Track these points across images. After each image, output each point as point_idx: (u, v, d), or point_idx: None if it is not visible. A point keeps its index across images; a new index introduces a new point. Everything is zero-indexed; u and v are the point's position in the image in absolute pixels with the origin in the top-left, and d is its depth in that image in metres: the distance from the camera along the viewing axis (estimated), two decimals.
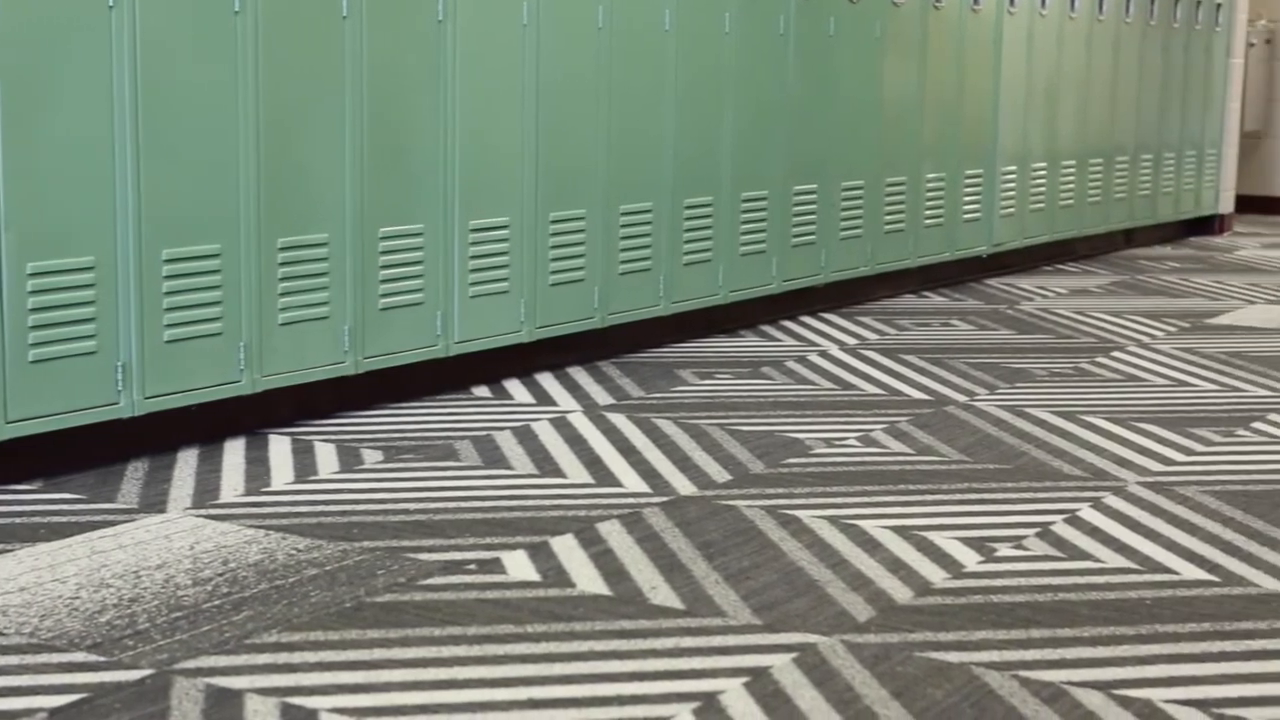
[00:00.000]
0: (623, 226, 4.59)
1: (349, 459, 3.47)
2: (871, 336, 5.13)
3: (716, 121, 4.90)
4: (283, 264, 3.63)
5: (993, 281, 6.47)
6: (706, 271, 4.93)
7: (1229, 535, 3.04)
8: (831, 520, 3.10)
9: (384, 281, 3.87)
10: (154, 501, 3.12)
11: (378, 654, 2.35)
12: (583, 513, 3.11)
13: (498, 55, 4.11)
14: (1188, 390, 4.39)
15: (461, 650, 2.37)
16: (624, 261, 4.60)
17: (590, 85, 4.42)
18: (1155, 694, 2.26)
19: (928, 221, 6.02)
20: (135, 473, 3.32)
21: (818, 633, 2.49)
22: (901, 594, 2.68)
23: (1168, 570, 2.83)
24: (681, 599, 2.63)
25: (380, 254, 3.85)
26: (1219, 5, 8.18)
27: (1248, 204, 9.50)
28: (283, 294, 3.63)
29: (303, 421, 3.77)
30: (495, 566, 2.78)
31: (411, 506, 3.13)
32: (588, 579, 2.72)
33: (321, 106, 3.67)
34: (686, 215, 4.83)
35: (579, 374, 4.42)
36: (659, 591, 2.67)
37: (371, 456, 3.50)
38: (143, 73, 3.28)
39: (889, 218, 5.79)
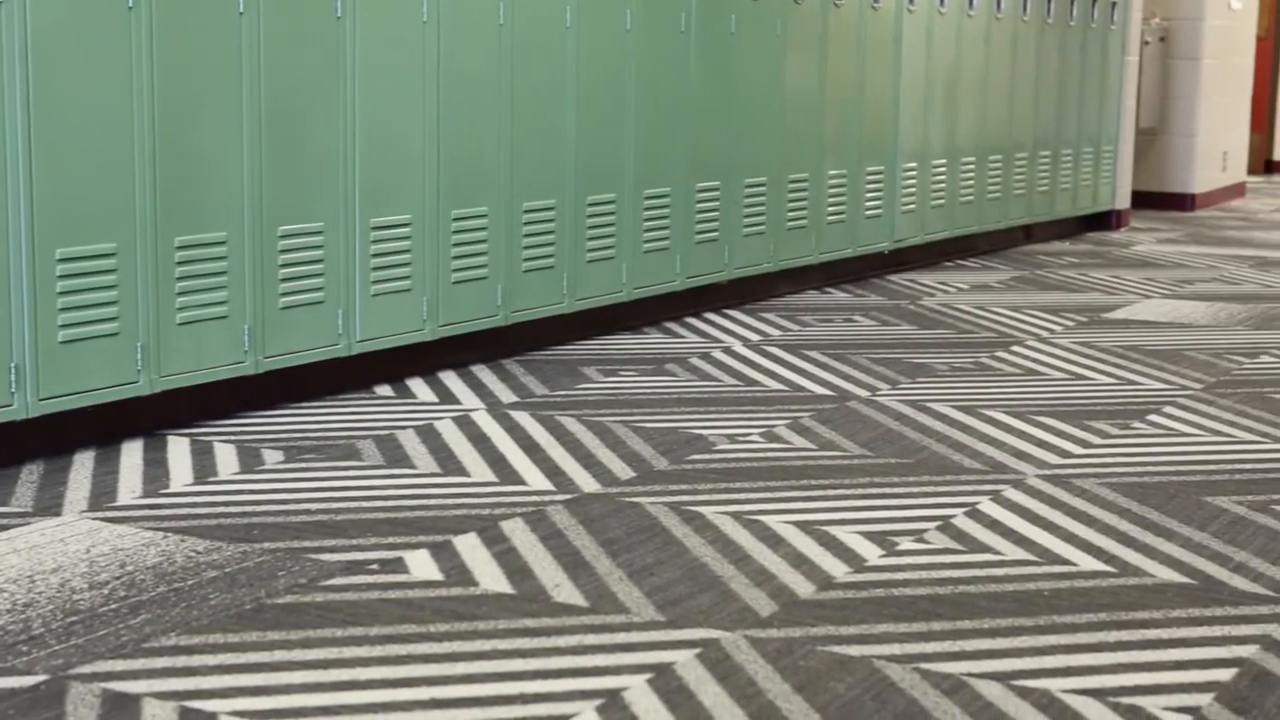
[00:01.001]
0: (525, 224, 4.58)
1: (249, 459, 3.44)
2: (775, 333, 5.15)
3: (619, 119, 4.90)
4: (180, 263, 3.58)
5: (895, 277, 6.52)
6: (610, 269, 4.93)
7: (1125, 527, 3.09)
8: (735, 516, 3.11)
9: (284, 280, 3.84)
10: (49, 504, 3.07)
11: (278, 656, 2.33)
12: (486, 511, 3.10)
13: (398, 52, 4.09)
14: (1085, 384, 4.45)
15: (363, 651, 2.36)
16: (527, 259, 4.59)
17: (492, 82, 4.40)
18: (1053, 684, 2.29)
19: (830, 218, 6.05)
20: (30, 475, 3.26)
21: (721, 628, 2.50)
22: (804, 588, 2.70)
23: (1066, 562, 2.86)
24: (585, 596, 2.63)
25: (280, 252, 3.82)
26: (1114, 4, 8.30)
27: (1143, 200, 9.65)
28: (180, 293, 3.59)
29: (202, 422, 3.73)
30: (398, 566, 2.76)
31: (313, 507, 3.10)
32: (491, 578, 2.71)
33: (218, 104, 3.63)
34: (590, 212, 4.83)
35: (483, 372, 4.41)
36: (562, 589, 2.66)
37: (272, 457, 3.46)
38: (34, 69, 3.23)
39: (791, 214, 5.82)
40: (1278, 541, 3.00)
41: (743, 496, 3.25)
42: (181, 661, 2.30)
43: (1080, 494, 3.31)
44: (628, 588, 2.68)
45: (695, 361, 4.64)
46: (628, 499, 3.21)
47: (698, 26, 5.20)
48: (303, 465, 3.40)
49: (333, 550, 2.83)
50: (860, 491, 3.31)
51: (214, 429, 3.68)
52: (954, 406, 4.12)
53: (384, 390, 4.14)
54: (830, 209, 6.05)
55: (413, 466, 3.42)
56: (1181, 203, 9.69)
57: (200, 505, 3.09)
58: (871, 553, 2.90)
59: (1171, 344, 5.10)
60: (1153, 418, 4.04)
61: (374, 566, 2.75)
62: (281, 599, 2.57)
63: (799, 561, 2.84)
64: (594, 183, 4.83)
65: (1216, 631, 2.51)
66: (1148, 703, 2.22)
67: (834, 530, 3.03)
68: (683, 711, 2.18)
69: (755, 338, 5.05)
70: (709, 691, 2.25)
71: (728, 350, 4.83)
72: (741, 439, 3.73)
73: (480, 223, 4.41)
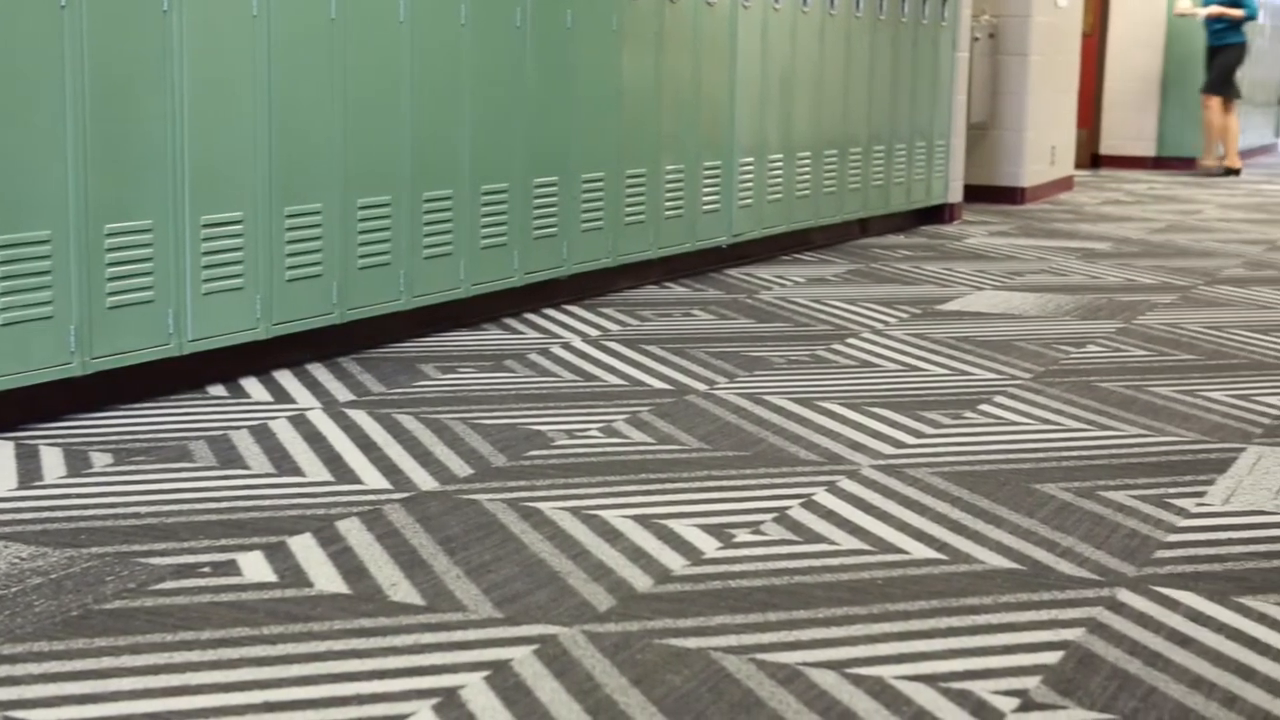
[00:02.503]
0: (361, 220, 4.53)
1: (77, 462, 3.36)
2: (614, 328, 5.16)
3: (455, 115, 4.88)
4: (2, 262, 3.49)
5: (733, 271, 6.57)
6: (448, 265, 4.90)
7: (956, 514, 3.14)
8: (573, 511, 3.11)
9: (111, 279, 3.76)
10: None
11: (106, 663, 2.28)
12: (321, 511, 3.07)
13: (227, 46, 4.02)
14: (919, 375, 4.52)
15: (195, 655, 2.32)
16: (363, 256, 4.55)
17: (325, 77, 4.35)
18: (886, 671, 2.32)
19: (668, 213, 6.08)
20: None
21: (559, 624, 2.50)
22: (642, 582, 2.70)
23: (899, 550, 2.91)
24: (422, 595, 2.61)
25: (107, 251, 3.74)
26: (944, 1, 8.44)
27: (975, 193, 9.82)
28: (3, 293, 3.50)
29: (28, 425, 3.64)
30: (230, 569, 2.72)
31: (143, 510, 3.04)
32: (326, 578, 2.68)
33: (41, 100, 3.54)
34: (426, 208, 4.79)
35: (319, 370, 4.35)
36: (399, 588, 2.64)
37: (101, 460, 3.39)
38: None
39: (630, 209, 5.83)
40: (1103, 526, 3.07)
41: (581, 492, 3.25)
42: (4, 671, 2.24)
43: (913, 483, 3.37)
44: (465, 585, 2.67)
45: (534, 357, 4.64)
46: (465, 496, 3.20)
47: (533, 22, 5.19)
48: (132, 468, 3.34)
49: (163, 554, 2.78)
50: (698, 485, 3.32)
51: (40, 432, 3.59)
52: (790, 399, 4.16)
53: (217, 390, 4.07)
54: (668, 204, 6.07)
55: (246, 467, 3.37)
56: (1012, 196, 9.88)
57: (25, 510, 3.02)
58: (709, 545, 2.91)
59: (1002, 335, 5.20)
60: (984, 407, 4.11)
61: (206, 569, 2.71)
62: (110, 604, 2.52)
63: (637, 556, 2.85)
64: (430, 179, 4.80)
65: (1044, 615, 2.57)
66: (977, 687, 2.27)
67: (672, 524, 3.04)
68: (520, 708, 2.17)
69: (594, 333, 5.06)
70: (546, 687, 2.24)
71: (567, 346, 4.83)
72: (580, 434, 3.73)
73: (314, 219, 4.36)
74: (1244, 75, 14.13)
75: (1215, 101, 12.63)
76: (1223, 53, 12.56)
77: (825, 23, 7.19)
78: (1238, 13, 12.51)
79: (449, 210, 4.89)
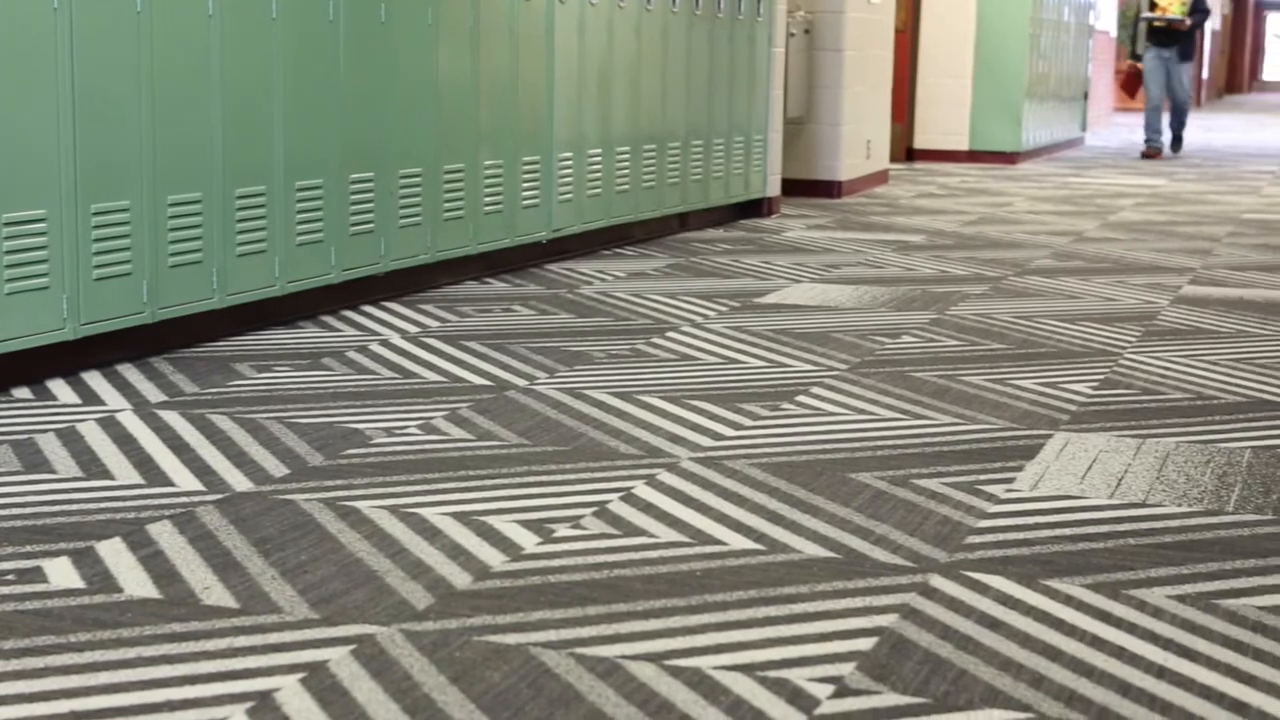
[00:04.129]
0: (171, 217, 4.44)
1: None
2: (433, 324, 5.13)
3: (267, 109, 4.80)
4: None
5: (553, 266, 6.56)
6: (262, 262, 4.83)
7: (774, 505, 3.17)
8: (391, 510, 3.08)
9: None
10: None
11: None
12: (132, 515, 3.00)
13: (26, 41, 3.91)
14: (738, 367, 4.56)
15: None
16: (174, 254, 4.46)
17: (130, 72, 4.25)
18: (704, 661, 2.34)
19: (487, 208, 6.05)
20: None
21: (376, 623, 2.47)
22: (461, 579, 2.69)
23: (717, 542, 2.93)
24: (236, 597, 2.57)
25: None
26: None
27: (793, 187, 9.94)
28: None
29: None
30: (36, 575, 2.64)
31: None
32: (136, 583, 2.62)
33: None
34: (239, 205, 4.71)
35: (129, 371, 4.26)
36: (212, 591, 2.60)
37: None
38: None
39: (448, 205, 5.79)
40: (916, 514, 3.13)
41: (400, 490, 3.22)
42: None
43: (732, 475, 3.39)
44: (281, 587, 2.63)
45: (352, 355, 4.59)
46: (281, 497, 3.15)
47: (347, 16, 5.13)
48: None
49: None
50: (518, 480, 3.32)
51: None
52: (611, 393, 4.17)
53: (22, 393, 3.96)
54: (487, 199, 6.05)
55: (53, 471, 3.28)
56: (829, 190, 10.02)
57: None
58: (529, 541, 2.91)
59: (819, 327, 5.27)
60: (801, 398, 4.16)
61: (10, 577, 2.63)
62: None
63: (456, 553, 2.83)
64: (243, 175, 4.72)
65: (859, 603, 2.60)
66: (794, 675, 2.29)
67: (491, 520, 3.03)
68: (336, 709, 2.14)
69: (413, 330, 5.02)
70: (363, 688, 2.22)
71: (385, 343, 4.79)
72: (399, 432, 3.70)
73: (123, 217, 4.26)
74: (1051, 71, 14.50)
75: None
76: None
77: (642, 18, 7.21)
78: None
79: (262, 207, 4.82)
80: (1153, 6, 14.24)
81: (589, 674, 2.28)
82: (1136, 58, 14.79)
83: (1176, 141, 15.29)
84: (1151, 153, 14.71)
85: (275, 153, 4.85)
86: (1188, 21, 14.06)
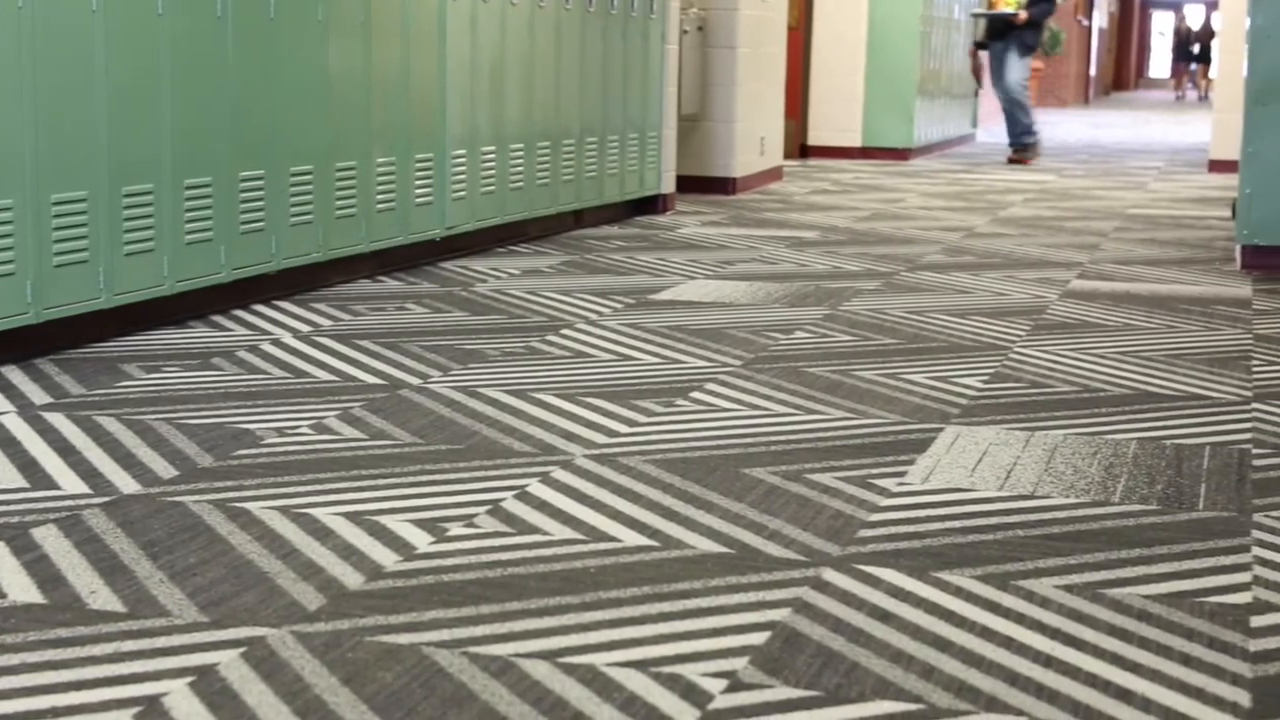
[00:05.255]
0: (55, 216, 4.37)
1: None
2: (325, 323, 5.08)
3: (153, 107, 4.73)
4: None
5: (448, 264, 6.53)
6: (150, 261, 4.76)
7: (668, 501, 3.18)
8: (283, 510, 3.05)
9: None
10: None
11: None
12: (15, 519, 2.95)
13: None
14: (632, 364, 4.56)
15: None
16: (58, 253, 4.39)
17: (12, 68, 4.18)
18: (598, 658, 2.33)
19: (380, 206, 6.01)
20: None
21: (267, 625, 2.45)
22: (353, 580, 2.67)
23: (611, 538, 2.93)
24: (123, 601, 2.53)
25: None
26: None
27: (688, 184, 9.97)
28: None
29: None
30: None
31: None
32: (20, 588, 2.58)
33: None
34: (126, 204, 4.64)
35: (13, 373, 4.18)
36: (99, 596, 2.56)
37: None
38: None
39: (340, 203, 5.75)
40: (808, 508, 3.14)
41: (291, 490, 3.19)
42: None
43: (626, 472, 3.39)
44: (169, 590, 2.59)
45: (243, 354, 4.54)
46: (170, 499, 3.11)
47: (235, 11, 5.07)
48: None
49: None
50: (411, 479, 3.30)
51: None
52: (505, 391, 4.15)
53: None
54: (380, 197, 6.01)
55: None
56: (723, 186, 10.06)
57: None
58: (422, 540, 2.89)
59: (713, 323, 5.29)
60: (695, 395, 4.17)
61: None
62: None
63: (348, 553, 2.81)
64: (129, 173, 4.65)
65: (752, 597, 2.61)
66: (687, 670, 2.30)
67: (384, 520, 3.01)
68: (226, 712, 2.12)
69: (305, 329, 4.97)
70: (254, 690, 2.20)
71: (276, 342, 4.74)
72: (290, 432, 3.67)
73: (5, 216, 4.18)
74: (942, 68, 14.65)
75: None
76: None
77: (535, 14, 7.20)
78: None
79: (150, 205, 4.75)
80: (991, 5, 13.47)
81: (482, 673, 2.28)
82: (981, 46, 13.96)
83: (1013, 146, 13.68)
84: (1018, 158, 13.56)
85: (163, 150, 4.79)
86: (1023, 15, 13.06)
